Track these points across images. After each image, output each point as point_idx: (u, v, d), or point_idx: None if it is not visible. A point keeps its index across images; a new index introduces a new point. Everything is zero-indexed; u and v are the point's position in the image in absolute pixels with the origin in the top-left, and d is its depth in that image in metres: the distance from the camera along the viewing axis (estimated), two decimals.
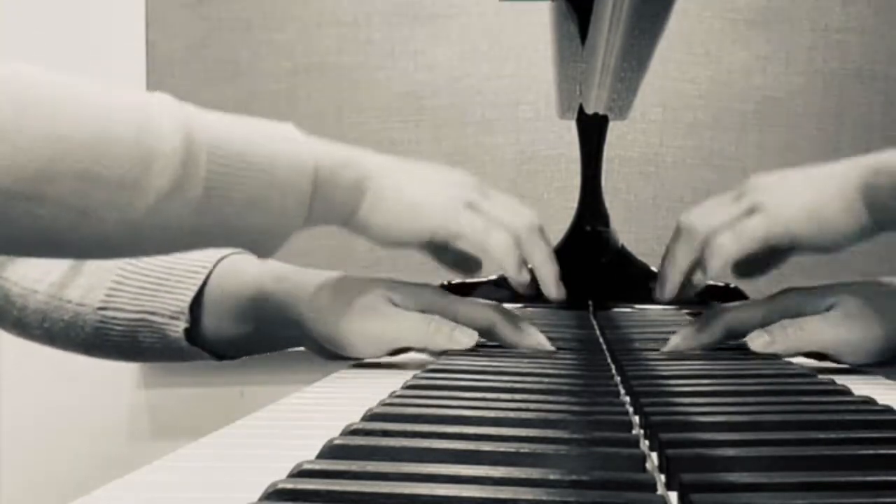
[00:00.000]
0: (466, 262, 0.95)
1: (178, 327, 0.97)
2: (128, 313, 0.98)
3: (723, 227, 0.85)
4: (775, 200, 0.84)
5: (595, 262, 1.34)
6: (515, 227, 0.89)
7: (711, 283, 1.35)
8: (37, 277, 1.00)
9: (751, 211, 0.84)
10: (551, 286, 0.92)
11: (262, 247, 0.82)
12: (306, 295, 0.93)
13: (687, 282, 0.89)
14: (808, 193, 0.86)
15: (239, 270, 0.98)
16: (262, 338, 0.99)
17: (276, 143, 0.81)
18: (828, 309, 0.87)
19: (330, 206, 0.84)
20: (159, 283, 0.98)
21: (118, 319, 0.99)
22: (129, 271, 0.98)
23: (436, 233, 0.87)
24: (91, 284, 0.99)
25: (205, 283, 0.97)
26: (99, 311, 0.99)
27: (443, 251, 0.93)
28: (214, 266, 0.98)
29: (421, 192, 0.87)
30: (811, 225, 0.84)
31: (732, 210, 0.86)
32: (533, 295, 0.94)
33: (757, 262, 0.91)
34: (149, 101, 0.75)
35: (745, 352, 0.90)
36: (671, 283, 0.88)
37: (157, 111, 0.74)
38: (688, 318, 1.23)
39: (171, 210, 0.73)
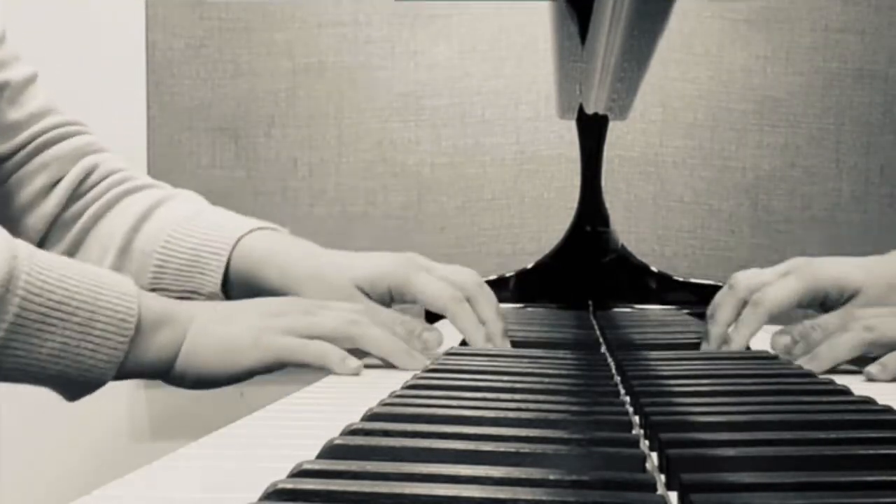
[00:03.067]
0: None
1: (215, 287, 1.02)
2: (174, 293, 1.02)
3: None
4: (876, 325, 0.86)
5: (595, 262, 1.34)
6: (464, 288, 0.95)
7: (710, 282, 1.35)
8: (95, 262, 1.03)
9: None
10: (497, 341, 0.95)
11: (65, 392, 0.85)
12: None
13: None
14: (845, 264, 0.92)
15: (251, 251, 1.02)
16: None
17: (101, 296, 0.82)
18: None
19: (143, 362, 0.86)
20: (192, 264, 1.02)
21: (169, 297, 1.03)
22: (166, 254, 1.03)
23: (254, 369, 0.89)
24: (139, 268, 1.03)
25: (229, 263, 1.01)
26: (152, 291, 1.03)
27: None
28: (233, 248, 1.02)
29: (233, 333, 0.89)
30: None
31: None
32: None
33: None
34: None
35: (744, 352, 0.90)
36: (716, 339, 0.94)
37: None
38: (688, 317, 1.23)
39: None
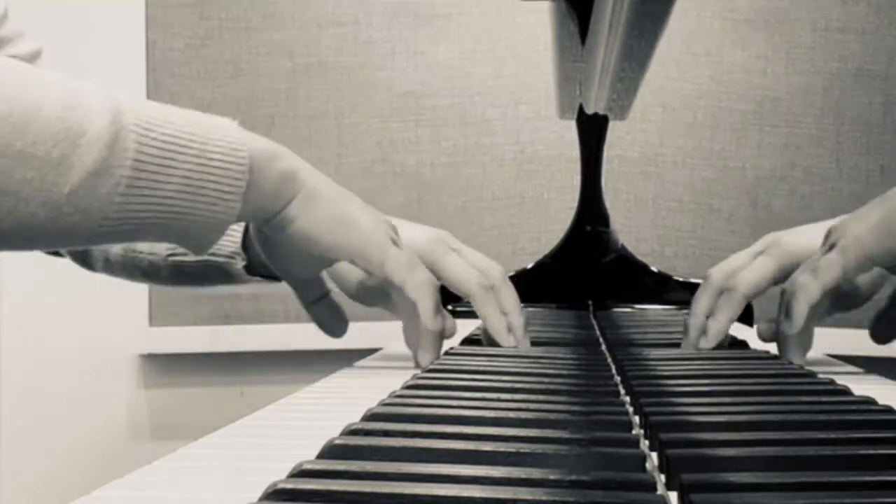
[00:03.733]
0: (334, 315, 0.95)
1: (238, 265, 0.99)
2: (193, 257, 1.00)
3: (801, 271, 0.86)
4: (843, 233, 0.83)
5: (595, 262, 1.34)
6: (490, 277, 0.93)
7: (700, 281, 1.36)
8: None
9: (828, 249, 0.84)
10: (517, 333, 0.93)
11: (196, 238, 0.79)
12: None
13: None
14: (874, 213, 0.84)
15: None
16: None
17: (210, 129, 0.79)
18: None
19: (262, 197, 0.81)
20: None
21: (187, 263, 1.01)
22: None
23: (361, 254, 0.85)
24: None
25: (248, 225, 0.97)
26: (168, 258, 1.01)
27: (347, 281, 0.93)
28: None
29: (354, 208, 0.86)
30: (886, 237, 0.82)
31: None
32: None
33: (854, 297, 0.91)
34: (78, 82, 0.73)
35: (744, 352, 0.90)
36: (694, 331, 0.92)
37: (85, 91, 0.72)
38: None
39: (97, 192, 0.71)
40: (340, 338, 0.95)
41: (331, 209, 0.84)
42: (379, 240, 0.85)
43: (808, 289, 0.82)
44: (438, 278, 0.93)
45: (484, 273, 0.94)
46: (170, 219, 0.76)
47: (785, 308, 0.84)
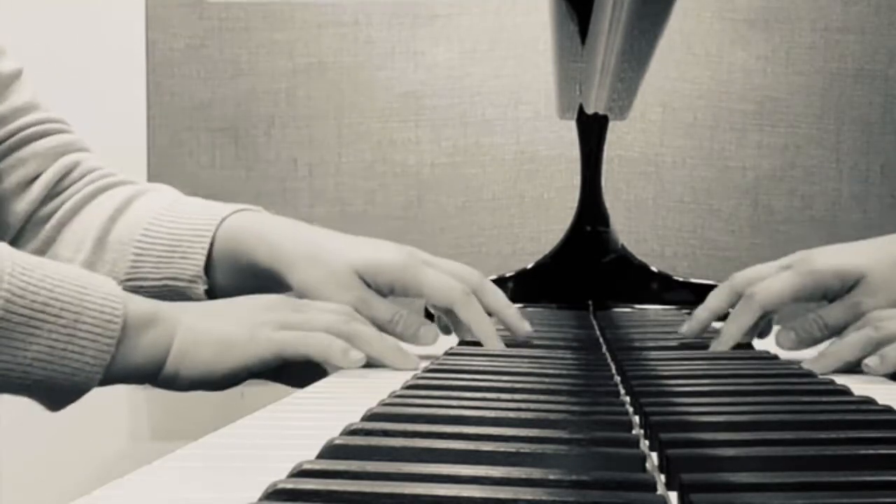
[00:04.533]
0: (306, 371, 0.93)
1: (199, 289, 0.98)
2: (152, 281, 1.00)
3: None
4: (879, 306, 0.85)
5: (595, 262, 1.34)
6: (470, 283, 0.93)
7: (710, 282, 1.36)
8: (69, 256, 1.02)
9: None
10: (517, 324, 0.94)
11: (49, 401, 0.82)
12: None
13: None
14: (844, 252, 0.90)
15: (237, 230, 0.99)
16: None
17: (86, 297, 0.79)
18: None
19: (130, 364, 0.83)
20: (174, 249, 0.99)
21: (145, 288, 1.01)
22: (146, 242, 1.00)
23: (252, 365, 0.85)
24: (115, 259, 1.01)
25: (212, 245, 0.98)
26: (126, 282, 1.01)
27: (281, 372, 0.93)
28: (217, 228, 0.99)
29: (228, 330, 0.86)
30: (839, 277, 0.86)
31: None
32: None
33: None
34: None
35: (744, 352, 0.90)
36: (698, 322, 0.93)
37: None
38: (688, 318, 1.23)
39: None
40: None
41: (205, 343, 0.85)
42: (265, 341, 0.85)
43: (828, 360, 0.84)
44: (418, 295, 0.93)
45: (463, 280, 0.94)
46: (23, 382, 0.79)
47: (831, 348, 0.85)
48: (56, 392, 0.80)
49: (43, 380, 0.79)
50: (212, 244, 0.98)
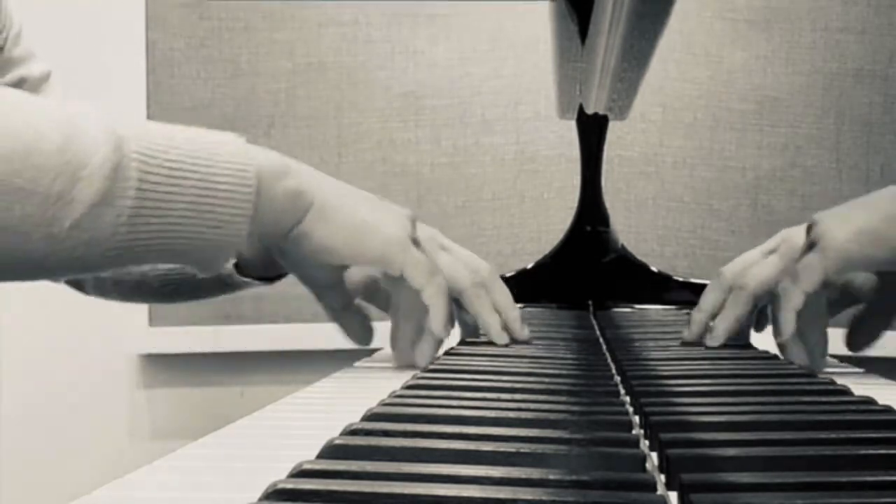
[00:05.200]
0: (361, 324, 0.93)
1: (228, 264, 0.96)
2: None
3: (777, 275, 0.86)
4: (825, 234, 0.83)
5: (595, 262, 1.34)
6: (482, 274, 0.93)
7: (703, 282, 1.36)
8: None
9: (804, 251, 0.84)
10: (517, 327, 0.93)
11: (204, 263, 0.78)
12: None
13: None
14: (858, 217, 0.86)
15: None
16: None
17: (215, 150, 0.77)
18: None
19: (272, 215, 0.80)
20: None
21: (175, 269, 1.01)
22: None
23: (380, 260, 0.84)
24: None
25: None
26: (159, 274, 1.01)
27: (365, 289, 0.92)
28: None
29: (370, 214, 0.85)
30: (868, 245, 0.83)
31: (777, 259, 0.88)
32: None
33: (856, 290, 0.90)
34: (78, 111, 0.73)
35: (744, 352, 0.90)
36: (696, 325, 0.92)
37: (85, 121, 0.72)
38: (688, 317, 1.23)
39: (100, 223, 0.70)
40: (367, 345, 0.95)
41: (345, 219, 0.84)
42: (397, 243, 0.84)
43: (790, 294, 0.82)
44: None
45: (474, 271, 0.94)
46: (176, 244, 0.75)
47: (773, 316, 0.84)
48: (208, 250, 0.77)
49: (194, 237, 0.75)
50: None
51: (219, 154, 0.77)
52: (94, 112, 0.74)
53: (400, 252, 0.84)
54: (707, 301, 0.92)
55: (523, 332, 0.93)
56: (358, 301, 0.94)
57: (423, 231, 0.96)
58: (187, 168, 0.75)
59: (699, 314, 0.92)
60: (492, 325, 0.92)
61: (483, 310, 0.93)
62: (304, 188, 0.82)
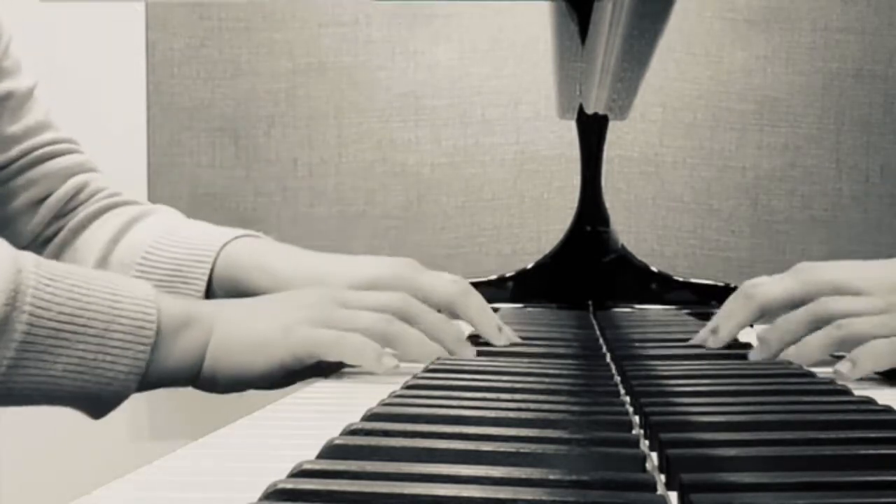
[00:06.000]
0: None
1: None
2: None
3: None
4: (859, 337, 0.83)
5: (595, 262, 1.34)
6: (448, 294, 0.92)
7: (710, 282, 1.35)
8: None
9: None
10: (492, 334, 0.92)
11: (88, 410, 0.80)
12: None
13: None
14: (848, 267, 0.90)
15: (237, 257, 0.99)
16: None
17: (116, 304, 0.78)
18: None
19: (166, 369, 0.81)
20: (174, 274, 0.99)
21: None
22: (147, 265, 1.00)
23: (289, 364, 0.83)
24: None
25: (212, 271, 0.98)
26: None
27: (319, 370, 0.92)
28: (217, 254, 0.99)
29: (263, 327, 0.84)
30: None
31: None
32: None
33: None
34: None
35: (745, 352, 0.90)
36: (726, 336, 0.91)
37: None
38: (688, 317, 1.23)
39: None
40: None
41: (242, 345, 0.83)
42: (299, 339, 0.83)
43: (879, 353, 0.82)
44: (419, 296, 0.91)
45: (452, 293, 0.94)
46: (57, 394, 0.76)
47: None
48: (93, 402, 0.79)
49: (76, 391, 0.77)
50: (212, 270, 0.98)
51: (119, 307, 0.78)
52: (4, 256, 0.75)
53: (299, 344, 0.83)
54: (723, 309, 0.93)
55: (503, 337, 0.93)
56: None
57: (395, 264, 0.96)
58: (81, 324, 0.76)
59: (712, 322, 0.93)
60: (488, 326, 0.92)
61: (476, 314, 0.93)
62: (203, 335, 0.83)
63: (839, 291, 0.89)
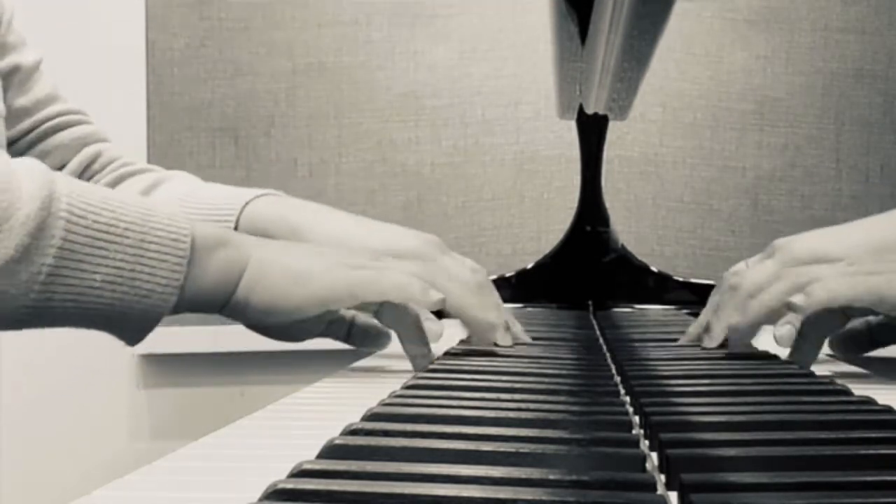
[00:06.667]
0: (369, 336, 0.93)
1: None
2: None
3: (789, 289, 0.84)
4: (816, 277, 0.82)
5: (595, 262, 1.34)
6: (479, 277, 0.91)
7: (710, 282, 1.36)
8: None
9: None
10: (505, 332, 0.90)
11: (125, 332, 0.78)
12: None
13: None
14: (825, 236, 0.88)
15: (260, 215, 0.98)
16: None
17: (150, 216, 0.77)
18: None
19: (203, 286, 0.79)
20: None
21: None
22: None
23: (326, 298, 0.82)
24: None
25: (236, 229, 0.97)
26: None
27: (340, 327, 0.91)
28: (241, 212, 0.98)
29: (304, 261, 0.83)
30: (865, 297, 0.81)
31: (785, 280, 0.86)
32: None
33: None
34: (21, 166, 0.73)
35: (744, 352, 0.90)
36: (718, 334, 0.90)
37: (21, 174, 0.72)
38: (688, 317, 1.23)
39: (15, 280, 0.70)
40: (384, 348, 0.95)
41: (280, 274, 0.82)
42: (336, 277, 0.82)
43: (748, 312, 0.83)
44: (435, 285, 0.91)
45: (471, 277, 0.94)
46: (95, 309, 0.74)
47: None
48: (131, 319, 0.76)
49: (114, 305, 0.75)
50: (236, 229, 0.97)
51: (153, 221, 0.77)
52: (37, 168, 0.74)
53: (340, 282, 0.82)
54: (709, 304, 0.92)
55: (517, 336, 0.92)
56: (358, 317, 0.93)
57: (418, 238, 0.95)
58: (118, 233, 0.75)
59: (701, 317, 0.93)
60: (494, 328, 0.91)
61: (488, 312, 0.92)
62: (236, 259, 0.81)
63: (819, 262, 0.87)
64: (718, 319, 0.89)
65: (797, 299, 0.80)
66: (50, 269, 0.72)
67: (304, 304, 0.82)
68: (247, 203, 0.99)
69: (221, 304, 0.81)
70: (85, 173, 1.08)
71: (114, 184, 1.07)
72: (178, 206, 0.99)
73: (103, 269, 0.74)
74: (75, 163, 1.08)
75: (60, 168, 1.07)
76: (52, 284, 0.72)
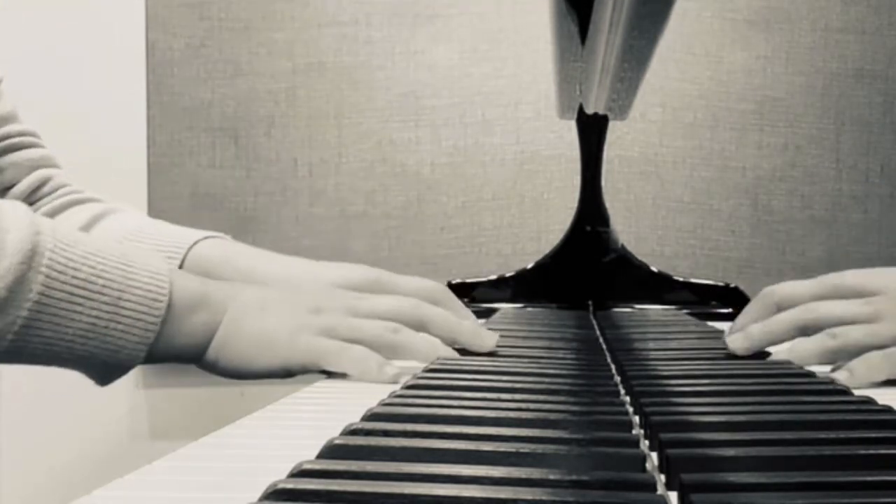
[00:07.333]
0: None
1: None
2: None
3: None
4: (856, 347, 0.81)
5: (595, 262, 1.34)
6: (436, 295, 0.92)
7: (710, 282, 1.35)
8: None
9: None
10: (472, 341, 0.88)
11: (94, 375, 0.80)
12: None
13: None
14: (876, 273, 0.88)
15: (207, 257, 1.00)
16: None
17: (130, 274, 0.78)
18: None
19: (174, 346, 0.81)
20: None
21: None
22: None
23: (290, 367, 0.84)
24: None
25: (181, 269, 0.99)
26: None
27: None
28: (186, 252, 0.99)
29: (271, 321, 0.84)
30: None
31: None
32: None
33: None
34: (3, 211, 0.74)
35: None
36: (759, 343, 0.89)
37: (4, 224, 0.73)
38: (688, 317, 1.23)
39: None
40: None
41: (246, 337, 0.84)
42: (303, 348, 0.83)
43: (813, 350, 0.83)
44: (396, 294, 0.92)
45: (430, 293, 0.94)
46: (67, 357, 0.77)
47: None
48: (101, 368, 0.79)
49: (86, 355, 0.77)
50: (181, 268, 0.99)
51: (133, 278, 0.78)
52: (24, 218, 0.75)
53: (301, 351, 0.83)
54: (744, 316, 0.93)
55: (484, 340, 0.91)
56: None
57: (368, 271, 0.96)
58: (95, 289, 0.77)
59: (735, 324, 0.93)
60: (472, 334, 0.89)
61: (455, 313, 0.92)
62: (213, 321, 0.83)
63: (859, 291, 0.87)
64: (741, 320, 0.90)
65: (842, 377, 0.80)
66: (24, 322, 0.74)
67: (269, 370, 0.84)
68: (193, 244, 1.01)
69: (194, 359, 0.84)
70: (33, 195, 1.09)
71: (59, 210, 1.08)
72: (126, 241, 1.01)
73: (77, 323, 0.76)
74: (25, 184, 1.09)
75: (9, 188, 1.07)
76: (25, 335, 0.75)
